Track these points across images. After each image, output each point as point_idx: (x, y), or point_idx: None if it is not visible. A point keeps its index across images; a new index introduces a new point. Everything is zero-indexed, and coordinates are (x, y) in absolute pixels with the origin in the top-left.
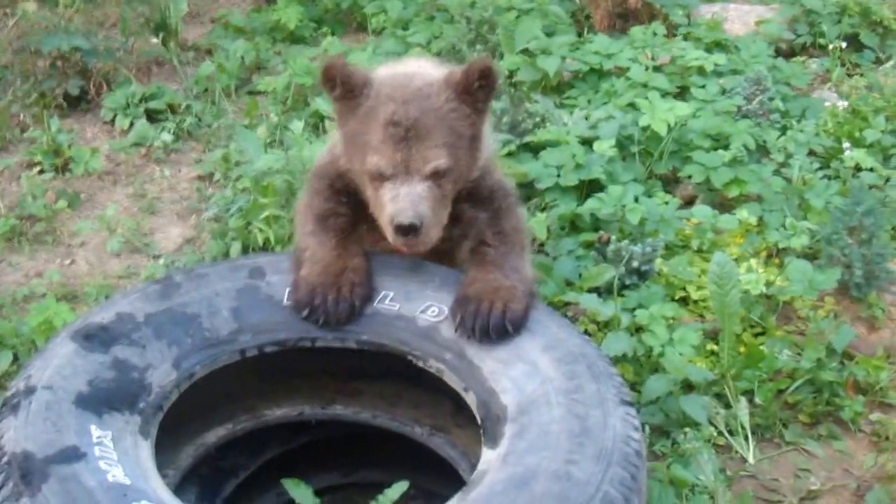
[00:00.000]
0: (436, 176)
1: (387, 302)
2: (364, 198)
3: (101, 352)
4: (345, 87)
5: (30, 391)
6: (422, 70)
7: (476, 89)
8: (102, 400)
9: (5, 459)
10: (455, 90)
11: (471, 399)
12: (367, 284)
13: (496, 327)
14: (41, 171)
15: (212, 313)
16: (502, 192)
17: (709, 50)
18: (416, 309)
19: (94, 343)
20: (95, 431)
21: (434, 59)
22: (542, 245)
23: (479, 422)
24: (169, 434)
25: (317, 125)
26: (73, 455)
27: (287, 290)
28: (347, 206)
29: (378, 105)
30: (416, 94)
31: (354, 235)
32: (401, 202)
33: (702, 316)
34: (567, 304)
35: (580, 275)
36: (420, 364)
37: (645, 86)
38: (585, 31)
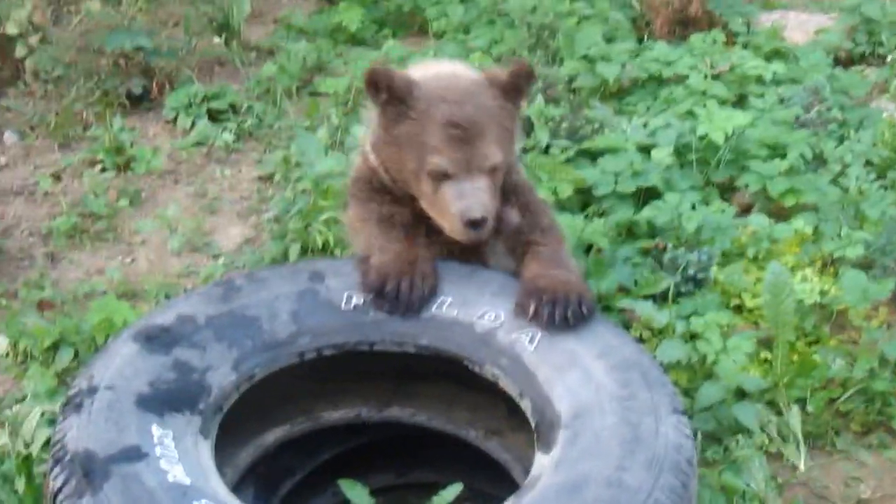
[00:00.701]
0: (493, 171)
1: (444, 307)
2: (405, 196)
3: (162, 353)
4: (391, 93)
5: (92, 391)
6: (458, 71)
7: (519, 89)
8: (163, 400)
9: (68, 457)
10: (501, 89)
11: (526, 405)
12: (436, 277)
13: (575, 314)
14: (103, 170)
15: (271, 316)
16: (526, 186)
17: (768, 58)
18: (473, 314)
19: (155, 344)
20: (156, 431)
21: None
22: (599, 251)
23: (533, 427)
24: (228, 434)
25: None
26: (134, 454)
27: (345, 293)
28: (404, 208)
29: (430, 107)
30: (466, 95)
31: (419, 232)
32: (469, 198)
33: (756, 324)
34: (622, 310)
35: (636, 282)
36: (476, 369)
37: (703, 94)
38: (646, 38)
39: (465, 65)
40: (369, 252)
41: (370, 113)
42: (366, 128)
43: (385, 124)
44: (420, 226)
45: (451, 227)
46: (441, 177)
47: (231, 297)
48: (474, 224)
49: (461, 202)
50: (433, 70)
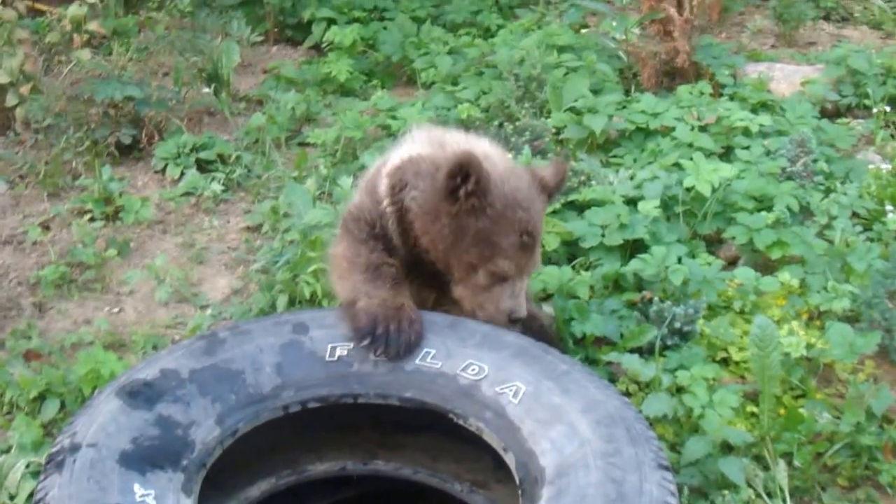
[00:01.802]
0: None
1: (429, 359)
2: (398, 243)
3: (145, 409)
4: (477, 185)
5: (75, 448)
6: (509, 164)
7: (560, 192)
8: (146, 458)
9: None
10: (548, 194)
11: (510, 459)
12: (421, 323)
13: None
14: (92, 219)
15: (255, 369)
16: None
17: (754, 110)
18: (457, 367)
19: (138, 400)
20: (139, 490)
21: (471, 130)
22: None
23: (517, 482)
24: (213, 487)
25: None
26: None
27: (329, 345)
28: (393, 258)
29: (507, 210)
30: (530, 200)
31: (404, 284)
32: (517, 298)
33: (742, 377)
34: (609, 363)
35: (621, 335)
36: (461, 422)
37: (690, 146)
38: (633, 90)
39: (490, 143)
40: (354, 297)
41: (407, 171)
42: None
43: (450, 210)
44: (405, 276)
45: (491, 317)
46: (500, 277)
47: (214, 350)
48: (517, 321)
49: (511, 301)
50: (485, 157)
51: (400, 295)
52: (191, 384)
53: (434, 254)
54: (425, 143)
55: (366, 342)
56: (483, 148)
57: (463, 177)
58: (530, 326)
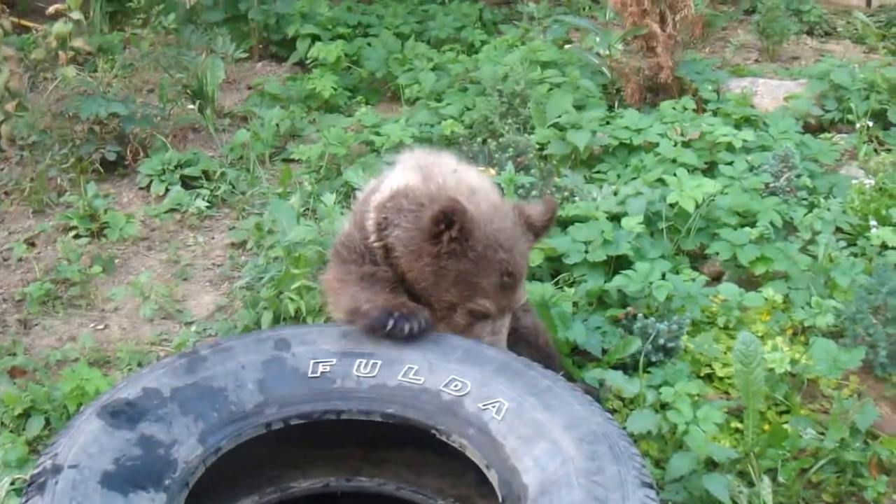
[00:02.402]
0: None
1: (411, 375)
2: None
3: (127, 428)
4: (463, 232)
5: (56, 470)
6: (496, 200)
7: (547, 232)
8: (128, 478)
9: None
10: (535, 233)
11: (493, 476)
12: (427, 312)
13: None
14: (77, 236)
15: (238, 387)
16: None
17: (737, 126)
18: (440, 383)
19: (120, 420)
20: None
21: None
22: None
23: (500, 500)
24: None
25: (348, 195)
26: None
27: (312, 361)
28: (386, 267)
29: (488, 252)
30: (513, 239)
31: (400, 288)
32: (498, 335)
33: (727, 393)
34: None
35: (604, 351)
36: (444, 438)
37: (674, 161)
38: (616, 105)
39: (479, 175)
40: (356, 305)
41: (392, 207)
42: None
43: (433, 251)
44: (400, 284)
45: None
46: (480, 315)
47: (196, 368)
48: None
49: (491, 338)
50: (471, 193)
51: (400, 296)
52: (172, 403)
53: (417, 289)
54: (413, 172)
55: (389, 326)
56: (470, 182)
57: (447, 224)
58: (535, 343)
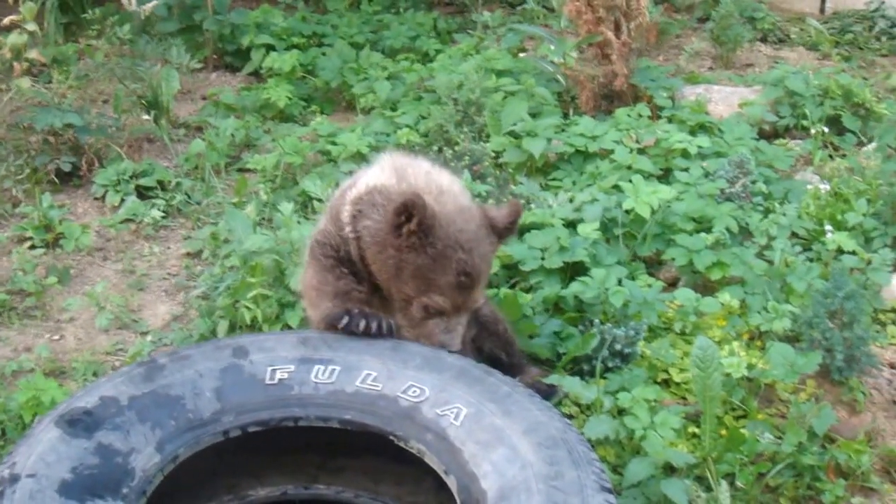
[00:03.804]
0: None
1: (369, 381)
2: (360, 268)
3: (84, 437)
4: (420, 226)
5: (14, 479)
6: (463, 203)
7: (512, 234)
8: (86, 487)
9: None
10: (498, 235)
11: (451, 482)
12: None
13: None
14: (32, 247)
15: (195, 395)
16: None
17: (693, 132)
18: (398, 389)
19: (77, 429)
20: None
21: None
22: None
23: None
24: None
25: (305, 204)
26: None
27: (269, 368)
28: (361, 284)
29: (447, 250)
30: (475, 241)
31: (373, 306)
32: (452, 333)
33: (684, 399)
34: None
35: (559, 355)
36: (401, 444)
37: (629, 168)
38: (571, 113)
39: (452, 178)
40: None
41: (366, 201)
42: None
43: (395, 243)
44: (374, 300)
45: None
46: (434, 312)
47: (154, 376)
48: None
49: (445, 336)
50: (439, 194)
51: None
52: (130, 411)
53: (380, 281)
54: (388, 172)
55: (343, 322)
56: (440, 183)
57: (407, 216)
58: (496, 331)
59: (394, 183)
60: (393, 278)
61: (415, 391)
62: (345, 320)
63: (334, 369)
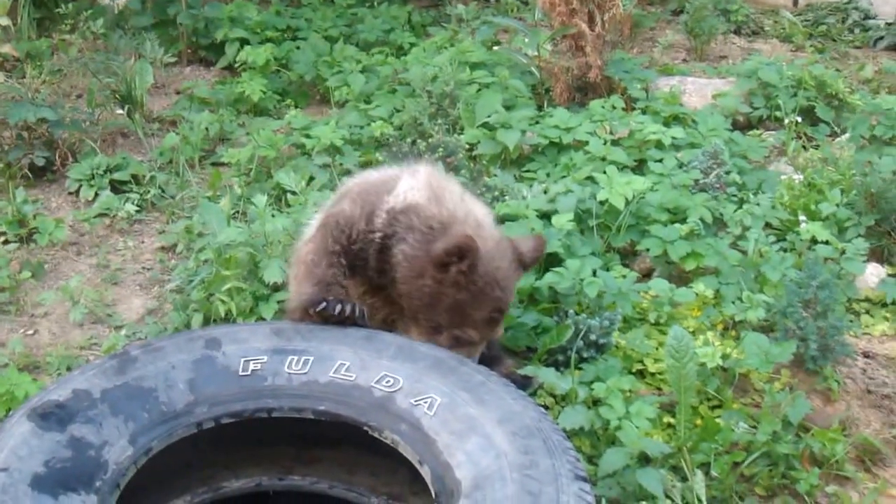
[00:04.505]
0: None
1: (343, 372)
2: (372, 265)
3: (57, 430)
4: (470, 267)
5: None
6: (496, 237)
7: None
8: (59, 480)
9: None
10: (524, 268)
11: (426, 472)
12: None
13: None
14: (6, 242)
15: (168, 386)
16: None
17: (667, 123)
18: (371, 379)
19: (50, 422)
20: None
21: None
22: None
23: (433, 496)
24: None
25: (279, 197)
26: None
27: (242, 360)
28: (354, 277)
29: (486, 289)
30: (508, 278)
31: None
32: (472, 358)
33: (659, 389)
34: (525, 377)
35: (531, 349)
36: (376, 435)
37: (603, 159)
38: (546, 105)
39: (482, 206)
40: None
41: (403, 221)
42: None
43: (437, 276)
44: (377, 301)
45: None
46: (464, 342)
47: (127, 368)
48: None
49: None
50: (478, 227)
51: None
52: (102, 404)
53: (406, 302)
54: (425, 190)
55: (321, 306)
56: (476, 213)
57: (459, 257)
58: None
59: (431, 206)
60: (425, 307)
61: (389, 381)
62: (322, 305)
63: (308, 360)
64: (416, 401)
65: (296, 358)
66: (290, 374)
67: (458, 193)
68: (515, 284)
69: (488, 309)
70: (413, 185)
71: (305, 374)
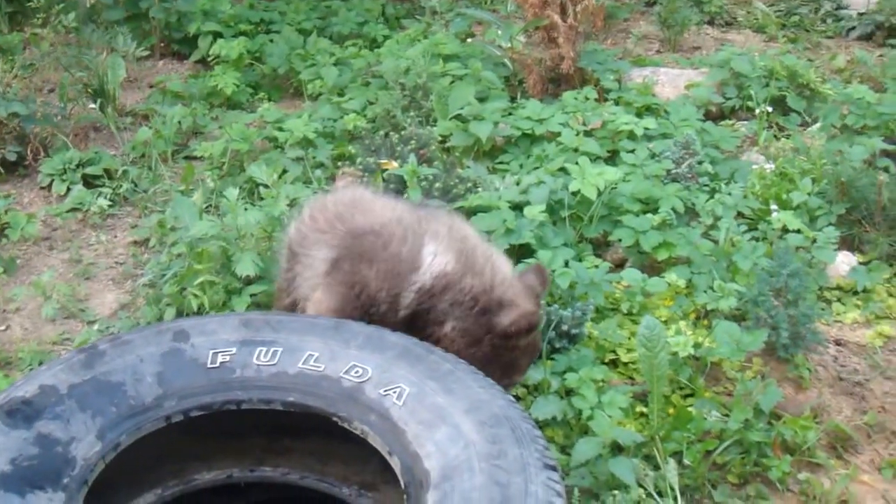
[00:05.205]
0: None
1: (312, 362)
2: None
3: (24, 427)
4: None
5: None
6: (514, 276)
7: None
8: (25, 478)
9: None
10: (536, 301)
11: (395, 463)
12: None
13: None
14: None
15: (136, 380)
16: None
17: (639, 114)
18: (340, 369)
19: (16, 419)
20: None
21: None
22: None
23: (402, 486)
24: (97, 503)
25: (252, 191)
26: None
27: (211, 352)
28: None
29: (534, 342)
30: (539, 322)
31: None
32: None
33: (631, 378)
34: None
35: None
36: (345, 426)
37: (576, 150)
38: (519, 97)
39: (498, 253)
40: None
41: (442, 294)
42: None
43: (498, 344)
44: None
45: None
46: (509, 385)
47: (94, 363)
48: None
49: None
50: (506, 282)
51: None
52: (70, 399)
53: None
54: (452, 255)
55: None
56: (502, 268)
57: (527, 332)
58: None
59: (468, 279)
60: (478, 364)
61: (357, 371)
62: None
63: (276, 351)
64: (384, 391)
65: (265, 349)
66: (258, 365)
67: (482, 248)
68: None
69: (531, 355)
70: (439, 255)
71: (274, 365)
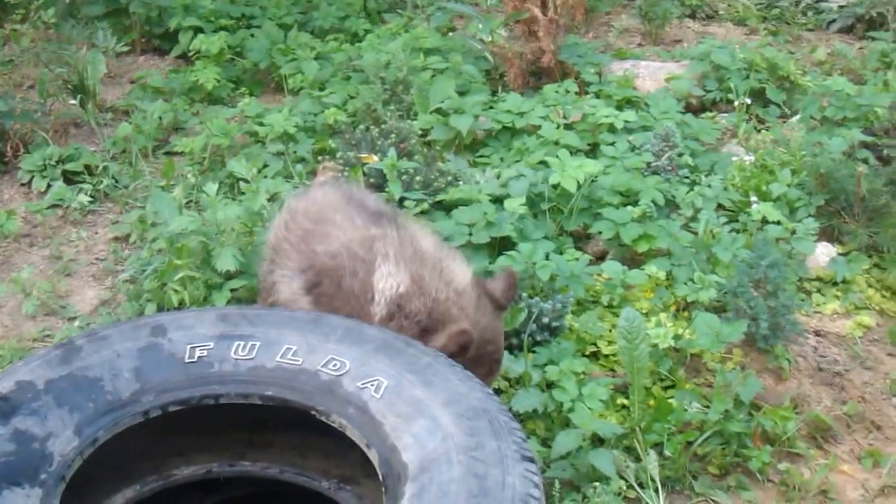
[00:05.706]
0: None
1: (290, 356)
2: None
3: (0, 424)
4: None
5: None
6: (470, 287)
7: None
8: (2, 475)
9: None
10: (501, 308)
11: (373, 456)
12: None
13: None
14: None
15: (114, 375)
16: None
17: (619, 107)
18: (318, 363)
19: None
20: None
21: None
22: None
23: (381, 479)
24: (76, 498)
25: (233, 186)
26: None
27: (188, 346)
28: None
29: (480, 350)
30: (494, 330)
31: None
32: None
33: (612, 370)
34: None
35: None
36: (323, 419)
37: (556, 143)
38: (500, 90)
39: (460, 262)
40: None
41: (400, 317)
42: None
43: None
44: None
45: None
46: None
47: (71, 358)
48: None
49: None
50: (460, 297)
51: None
52: (47, 395)
53: None
54: (403, 275)
55: None
56: (454, 280)
57: (460, 353)
58: None
59: (415, 296)
60: None
61: (335, 364)
62: None
63: (254, 345)
64: (362, 384)
65: (242, 343)
66: (236, 359)
67: (433, 260)
68: (502, 328)
69: (486, 364)
70: (390, 277)
71: (252, 359)
